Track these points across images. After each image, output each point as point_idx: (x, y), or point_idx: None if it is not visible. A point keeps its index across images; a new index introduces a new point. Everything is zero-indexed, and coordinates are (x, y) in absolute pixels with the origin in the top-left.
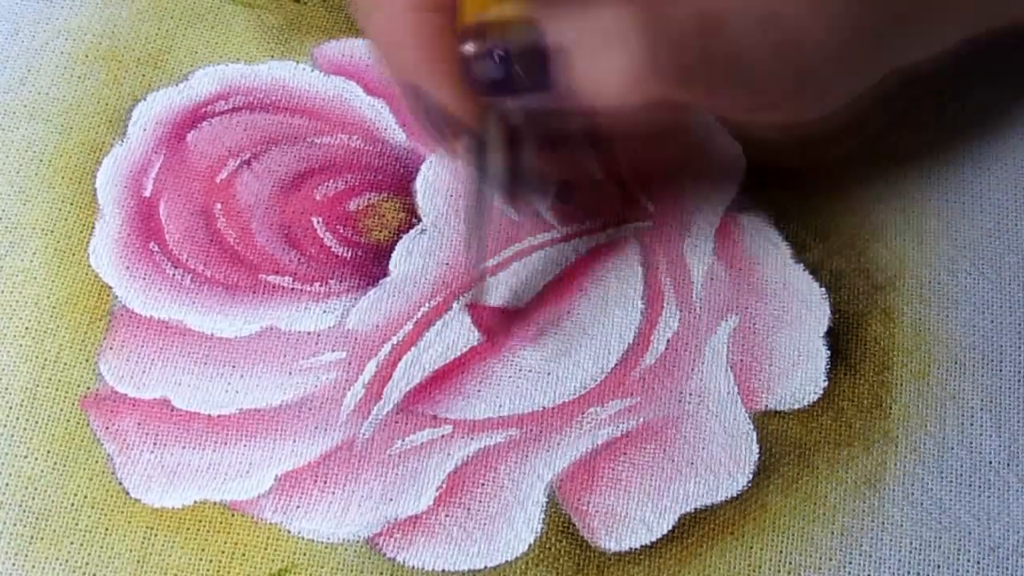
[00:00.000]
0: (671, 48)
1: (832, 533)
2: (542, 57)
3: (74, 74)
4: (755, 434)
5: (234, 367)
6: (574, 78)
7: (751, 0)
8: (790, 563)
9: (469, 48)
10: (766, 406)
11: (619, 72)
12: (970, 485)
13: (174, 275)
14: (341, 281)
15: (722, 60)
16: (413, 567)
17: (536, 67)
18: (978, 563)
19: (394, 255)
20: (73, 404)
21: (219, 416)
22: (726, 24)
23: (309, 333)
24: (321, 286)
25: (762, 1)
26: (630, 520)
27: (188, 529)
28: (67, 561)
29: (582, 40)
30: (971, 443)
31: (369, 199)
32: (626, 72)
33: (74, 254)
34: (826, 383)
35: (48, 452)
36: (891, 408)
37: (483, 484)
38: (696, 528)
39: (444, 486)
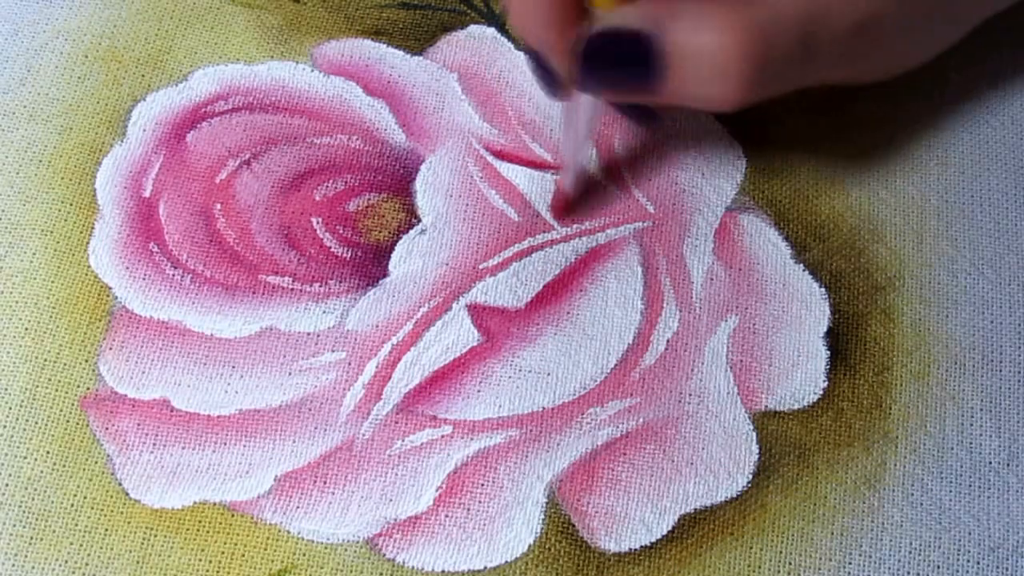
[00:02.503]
0: (774, 69)
1: (832, 533)
2: (654, 60)
3: (74, 75)
4: (755, 434)
5: (234, 367)
6: (679, 90)
7: (844, 9)
8: (790, 563)
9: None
10: (766, 406)
11: (722, 94)
12: (970, 485)
13: (174, 275)
14: (341, 281)
15: (814, 55)
16: (413, 568)
17: (646, 68)
18: (978, 563)
19: (394, 255)
20: (73, 404)
21: (219, 416)
22: (821, 36)
23: (309, 333)
24: (321, 286)
25: (854, 6)
26: (630, 520)
27: (188, 529)
28: (67, 562)
29: (692, 58)
30: (971, 443)
31: (369, 199)
32: (729, 94)
33: (74, 254)
34: (826, 383)
35: (48, 453)
36: (891, 408)
37: (483, 484)
38: (696, 528)
39: (444, 486)
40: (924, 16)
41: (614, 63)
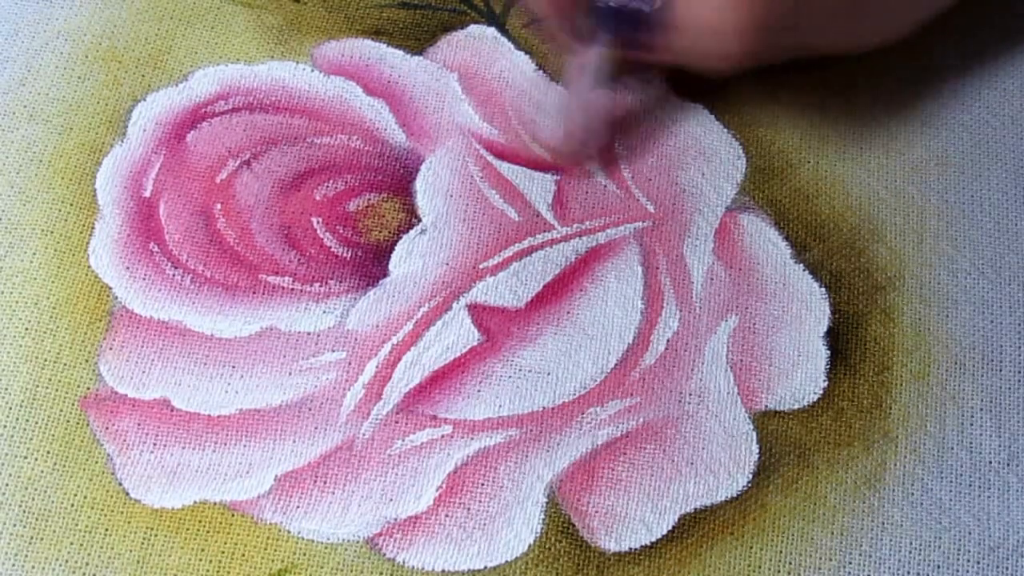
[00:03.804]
0: (771, 29)
1: (832, 533)
2: (655, 21)
3: (74, 75)
4: (755, 434)
5: (234, 367)
6: (680, 47)
7: None
8: (790, 563)
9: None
10: (766, 406)
11: (719, 53)
12: (970, 485)
13: (174, 275)
14: (341, 281)
15: (812, 15)
16: (413, 567)
17: (648, 27)
18: (978, 563)
19: (394, 255)
20: (73, 404)
21: (219, 416)
22: None
23: (309, 333)
24: (321, 286)
25: None
26: (630, 520)
27: (188, 529)
28: (67, 562)
29: (694, 16)
30: (971, 443)
31: (369, 199)
32: (729, 52)
33: (74, 255)
34: (826, 383)
35: (48, 453)
36: (891, 408)
37: (483, 484)
38: (696, 528)
39: (444, 486)
40: None
41: (623, 16)
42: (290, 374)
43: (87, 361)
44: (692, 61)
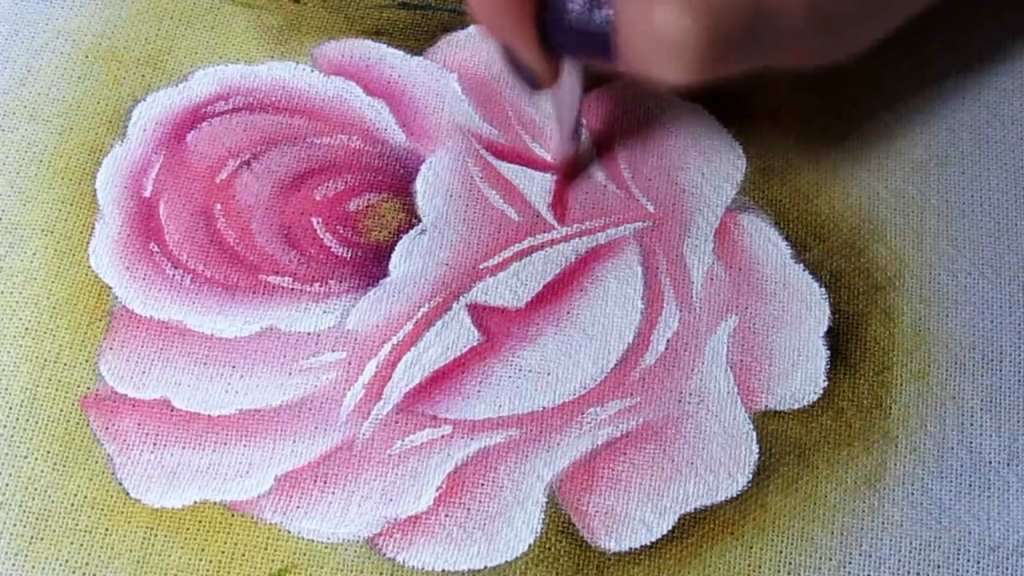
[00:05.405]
0: (724, 39)
1: (832, 533)
2: (611, 38)
3: (74, 75)
4: (755, 434)
5: (234, 367)
6: (635, 63)
7: None
8: (790, 563)
9: (569, 11)
10: (766, 406)
11: (676, 67)
12: (970, 485)
13: (174, 275)
14: (341, 281)
15: (766, 34)
16: (413, 567)
17: (605, 43)
18: (978, 563)
19: (394, 255)
20: (73, 404)
21: (219, 416)
22: (773, 14)
23: (309, 333)
24: (321, 286)
25: None
26: (630, 520)
27: (188, 529)
28: (67, 561)
29: (643, 34)
30: (971, 443)
31: (369, 199)
32: (682, 68)
33: (74, 254)
34: (826, 383)
35: (48, 452)
36: (891, 408)
37: (483, 484)
38: (696, 528)
39: (444, 486)
40: None
41: (575, 30)
42: (290, 374)
43: (87, 361)
44: (647, 76)
